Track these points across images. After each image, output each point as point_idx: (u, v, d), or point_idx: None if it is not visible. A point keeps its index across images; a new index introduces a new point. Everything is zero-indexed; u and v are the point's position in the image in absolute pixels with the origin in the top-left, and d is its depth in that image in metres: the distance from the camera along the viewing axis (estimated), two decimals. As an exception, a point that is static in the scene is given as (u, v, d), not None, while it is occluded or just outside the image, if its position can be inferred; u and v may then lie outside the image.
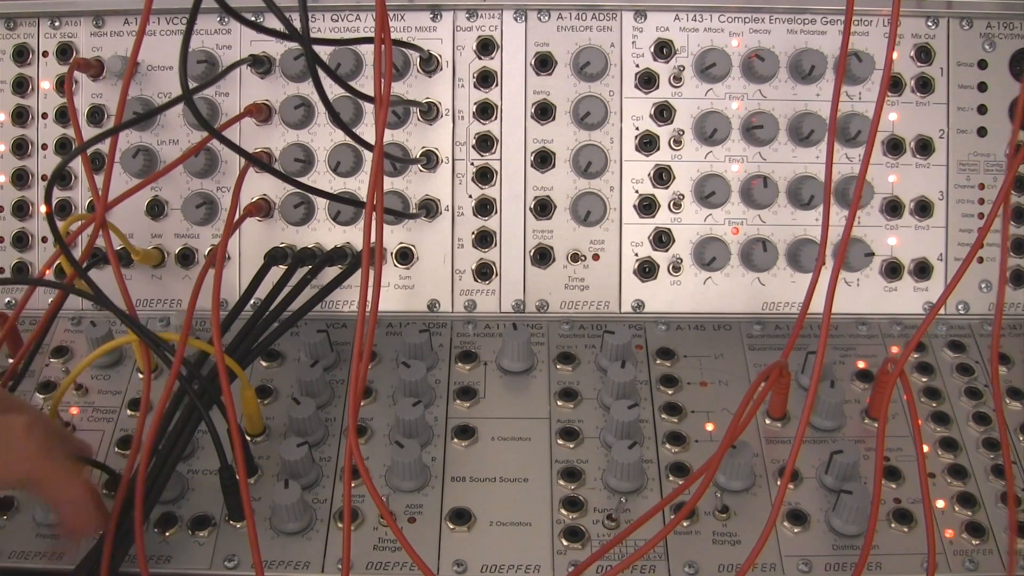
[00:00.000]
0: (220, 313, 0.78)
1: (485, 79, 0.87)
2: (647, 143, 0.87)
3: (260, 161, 0.81)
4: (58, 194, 0.89)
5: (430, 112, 0.87)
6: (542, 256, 0.88)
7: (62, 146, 0.89)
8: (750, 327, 0.87)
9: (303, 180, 0.87)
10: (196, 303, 0.75)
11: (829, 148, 0.71)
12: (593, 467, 0.76)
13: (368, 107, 0.87)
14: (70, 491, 0.64)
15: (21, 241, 0.89)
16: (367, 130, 0.86)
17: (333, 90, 0.77)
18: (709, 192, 0.86)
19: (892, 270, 0.87)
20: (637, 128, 0.88)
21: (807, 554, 0.71)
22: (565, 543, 0.71)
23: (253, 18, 0.87)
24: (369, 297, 0.66)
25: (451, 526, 0.72)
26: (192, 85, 0.81)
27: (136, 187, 0.81)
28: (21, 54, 0.89)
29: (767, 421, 0.79)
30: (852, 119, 0.86)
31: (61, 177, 0.89)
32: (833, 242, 0.86)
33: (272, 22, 0.86)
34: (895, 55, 0.87)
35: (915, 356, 0.84)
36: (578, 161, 0.87)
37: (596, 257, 0.88)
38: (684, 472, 0.75)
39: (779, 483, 0.74)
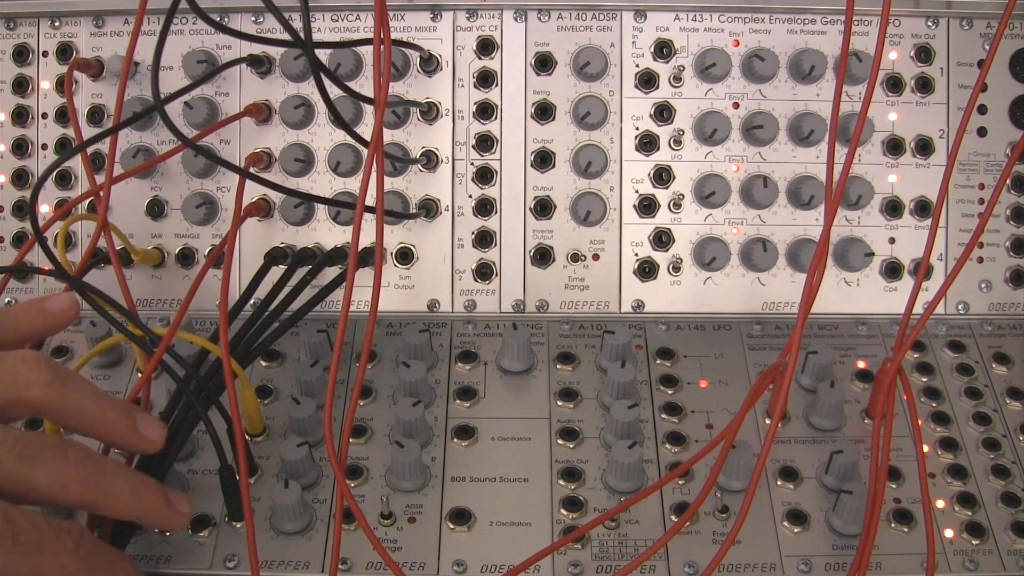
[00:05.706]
0: (218, 312, 0.78)
1: (485, 79, 0.87)
2: (647, 143, 0.87)
3: (248, 172, 0.78)
4: (58, 194, 0.89)
5: (430, 112, 0.87)
6: (542, 256, 0.88)
7: (62, 146, 0.89)
8: (750, 327, 0.87)
9: (303, 180, 0.87)
10: (191, 303, 0.75)
11: (830, 148, 0.71)
12: (593, 467, 0.76)
13: (368, 107, 0.87)
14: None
15: (21, 241, 0.89)
16: (367, 130, 0.86)
17: (333, 90, 0.77)
18: (709, 192, 0.86)
19: (892, 270, 0.87)
20: (637, 128, 0.88)
21: (807, 554, 0.71)
22: (565, 543, 0.71)
23: (253, 18, 0.87)
24: (356, 297, 0.65)
25: (451, 526, 0.72)
26: (185, 85, 0.81)
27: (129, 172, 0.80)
28: (21, 54, 0.89)
29: (767, 421, 0.79)
30: (852, 119, 0.85)
31: (60, 177, 0.89)
32: (834, 242, 0.86)
33: (273, 22, 0.87)
34: (895, 55, 0.88)
35: (915, 356, 0.84)
36: (578, 161, 0.87)
37: (596, 257, 0.88)
38: (684, 472, 0.75)
39: (779, 482, 0.75)
